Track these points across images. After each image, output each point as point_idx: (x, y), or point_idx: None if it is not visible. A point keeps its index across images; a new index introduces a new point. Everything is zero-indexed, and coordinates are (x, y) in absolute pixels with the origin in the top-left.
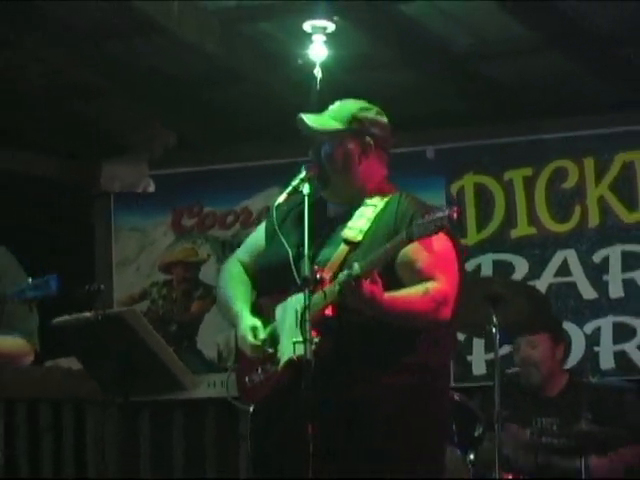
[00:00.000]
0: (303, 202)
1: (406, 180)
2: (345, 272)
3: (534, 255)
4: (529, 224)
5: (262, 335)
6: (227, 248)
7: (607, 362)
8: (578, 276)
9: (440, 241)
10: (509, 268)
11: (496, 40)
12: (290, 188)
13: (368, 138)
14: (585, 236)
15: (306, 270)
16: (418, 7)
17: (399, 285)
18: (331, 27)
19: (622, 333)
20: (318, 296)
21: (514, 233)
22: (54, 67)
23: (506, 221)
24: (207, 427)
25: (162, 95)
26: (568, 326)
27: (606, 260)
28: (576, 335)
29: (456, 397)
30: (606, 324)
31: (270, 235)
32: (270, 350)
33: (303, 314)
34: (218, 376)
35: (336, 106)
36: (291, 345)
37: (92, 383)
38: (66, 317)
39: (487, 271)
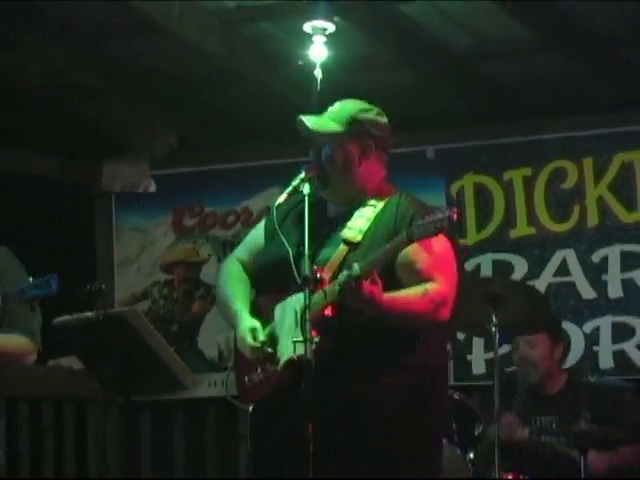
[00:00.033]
0: (303, 202)
1: (406, 180)
2: (345, 273)
3: (533, 255)
4: (528, 224)
5: (261, 337)
6: (228, 248)
7: (606, 361)
8: (577, 276)
9: (439, 242)
10: (508, 268)
11: (496, 40)
12: (290, 188)
13: (368, 140)
14: (584, 236)
15: (306, 270)
16: (418, 7)
17: (398, 285)
18: (331, 28)
19: (621, 333)
20: (318, 296)
21: (513, 233)
22: (54, 67)
23: (506, 221)
24: (208, 426)
25: (162, 95)
26: (567, 326)
27: (605, 260)
28: (575, 335)
29: (456, 396)
30: (605, 324)
31: (270, 234)
32: (269, 350)
33: (303, 314)
34: (219, 375)
35: (336, 107)
36: (291, 345)
37: (93, 383)
38: (67, 317)
39: (487, 271)
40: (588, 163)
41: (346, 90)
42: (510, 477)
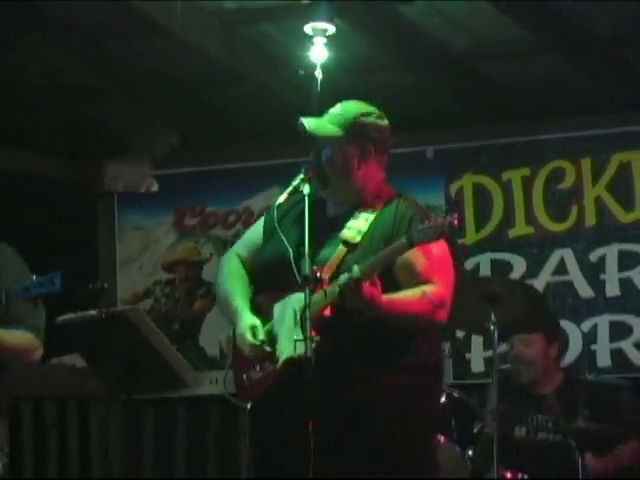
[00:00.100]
0: (302, 201)
1: (405, 180)
2: (346, 275)
3: (532, 254)
4: (527, 224)
5: (261, 335)
6: (229, 247)
7: (604, 360)
8: (575, 275)
9: (438, 245)
10: (507, 267)
11: (494, 41)
12: (291, 188)
13: (367, 144)
14: (582, 235)
15: (306, 269)
16: (417, 8)
17: (396, 286)
18: (332, 29)
19: (618, 331)
20: (318, 296)
21: (512, 233)
22: (54, 67)
23: (504, 221)
24: (210, 424)
25: (163, 95)
26: (565, 324)
27: (603, 259)
28: (573, 333)
29: (455, 394)
30: (603, 322)
31: (269, 232)
32: (268, 349)
33: (303, 312)
34: (220, 373)
35: (337, 109)
36: (291, 343)
37: (96, 380)
38: (70, 315)
39: (485, 270)
40: (586, 163)
41: (346, 91)
42: (509, 475)
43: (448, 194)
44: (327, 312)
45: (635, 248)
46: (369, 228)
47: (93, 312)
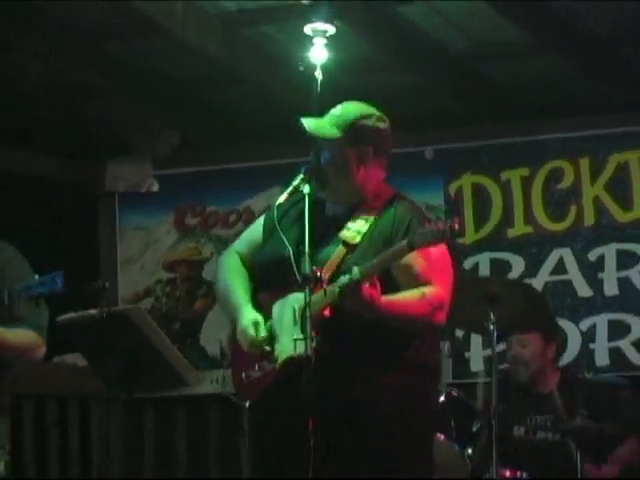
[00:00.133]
0: (302, 201)
1: (405, 180)
2: (346, 276)
3: (531, 254)
4: (526, 223)
5: (263, 332)
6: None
7: (602, 359)
8: (574, 274)
9: (437, 247)
10: (506, 267)
11: (494, 42)
12: (291, 188)
13: (367, 146)
14: (581, 235)
15: (306, 268)
16: (417, 9)
17: (396, 288)
18: (331, 30)
19: (617, 330)
20: (317, 296)
21: (511, 232)
22: (54, 67)
23: (503, 220)
24: (210, 423)
25: (163, 95)
26: (564, 323)
27: (601, 258)
28: (572, 332)
29: (454, 393)
30: (601, 321)
31: (268, 231)
32: (267, 348)
33: (303, 312)
34: (221, 373)
35: (338, 111)
36: (291, 343)
37: (97, 380)
38: (72, 314)
39: (484, 270)
40: (584, 163)
41: (346, 91)
42: (508, 474)
43: (447, 194)
44: (327, 312)
45: (633, 247)
46: (368, 229)
47: (94, 311)
